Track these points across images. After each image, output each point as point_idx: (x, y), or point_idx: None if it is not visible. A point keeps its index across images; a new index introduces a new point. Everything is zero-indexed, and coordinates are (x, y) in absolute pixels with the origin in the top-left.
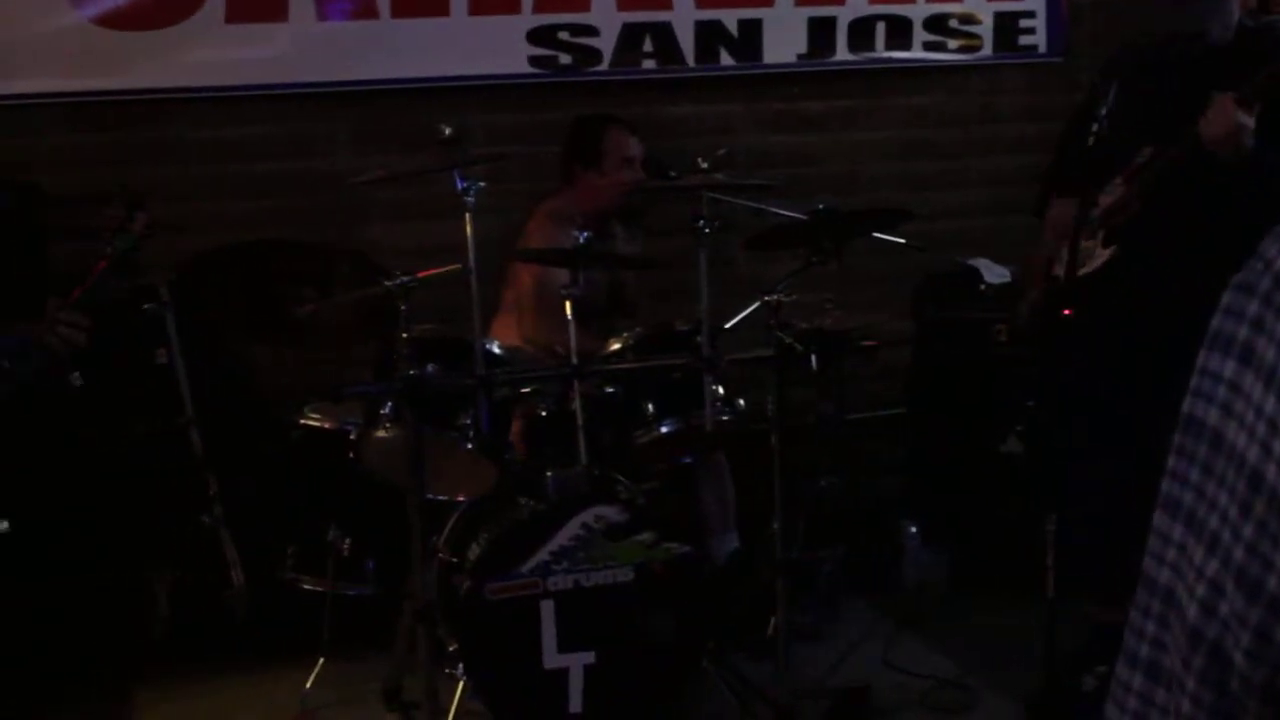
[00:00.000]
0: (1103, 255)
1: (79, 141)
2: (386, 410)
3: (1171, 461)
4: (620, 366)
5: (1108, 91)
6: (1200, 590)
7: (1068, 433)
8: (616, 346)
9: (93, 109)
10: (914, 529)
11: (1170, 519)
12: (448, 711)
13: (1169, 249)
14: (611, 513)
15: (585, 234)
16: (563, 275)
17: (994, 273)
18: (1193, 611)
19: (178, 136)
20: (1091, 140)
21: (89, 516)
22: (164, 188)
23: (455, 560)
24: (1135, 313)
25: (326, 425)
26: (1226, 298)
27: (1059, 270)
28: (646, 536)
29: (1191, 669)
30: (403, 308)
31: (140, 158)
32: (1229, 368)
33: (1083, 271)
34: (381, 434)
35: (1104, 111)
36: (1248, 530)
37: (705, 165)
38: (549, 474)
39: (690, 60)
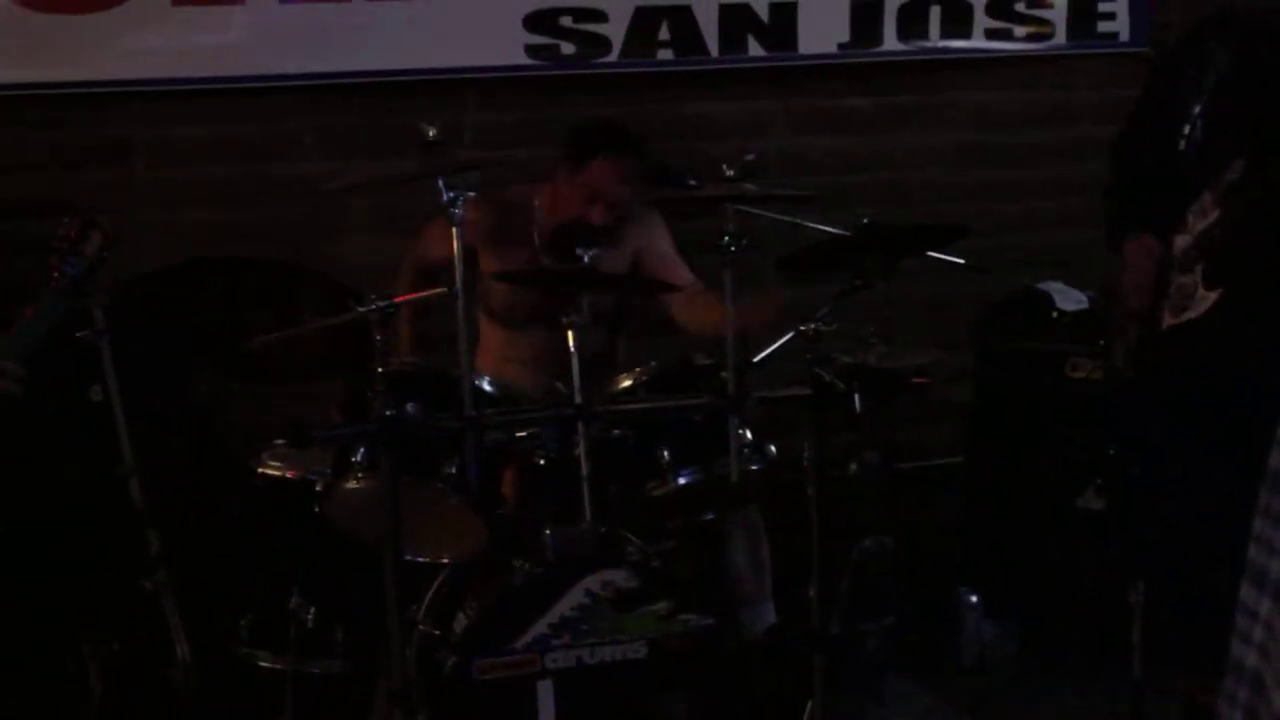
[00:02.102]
0: (1208, 298)
1: (3, 142)
2: (359, 457)
3: (1257, 525)
4: (631, 407)
5: (1205, 73)
6: None
7: (1157, 487)
8: (627, 383)
9: (20, 105)
10: (975, 598)
11: (1257, 591)
12: None
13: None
14: (620, 578)
15: (591, 251)
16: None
17: (1069, 298)
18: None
19: (118, 137)
20: (1183, 144)
21: (8, 580)
22: (102, 195)
23: (438, 633)
24: (1240, 362)
25: (289, 474)
26: None
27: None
28: (661, 606)
29: None
30: (378, 337)
31: (75, 161)
32: None
33: (1184, 318)
34: (352, 484)
35: (1198, 109)
36: None
37: (731, 172)
38: (548, 532)
39: (714, 50)
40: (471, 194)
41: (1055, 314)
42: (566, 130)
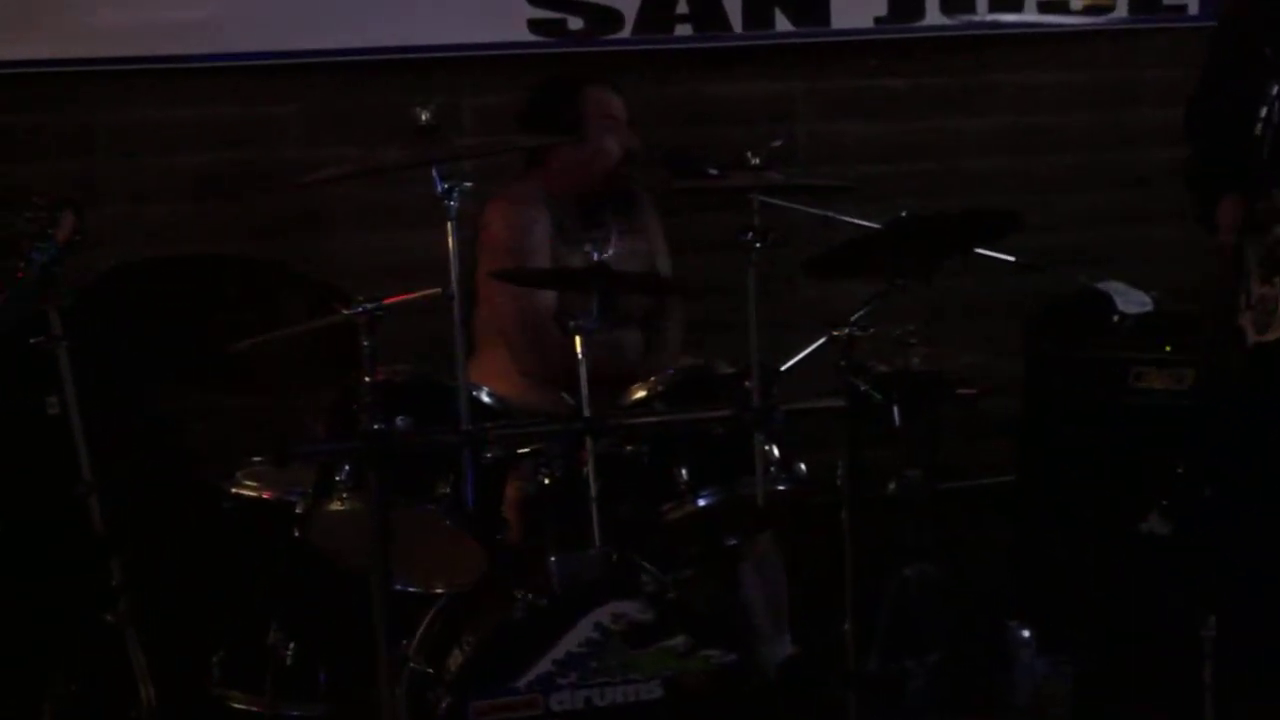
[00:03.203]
0: None
1: None
2: (343, 476)
3: None
4: (646, 420)
5: None
6: None
7: (1232, 511)
8: (641, 394)
9: None
10: (1027, 633)
11: None
12: None
13: None
14: (633, 610)
15: (596, 250)
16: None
17: (1131, 299)
18: None
19: (82, 121)
20: (1259, 128)
21: None
22: (62, 186)
23: (431, 671)
24: None
25: (266, 494)
26: None
27: (1244, 322)
28: (679, 641)
29: None
30: (366, 343)
31: (36, 147)
32: None
33: (1271, 337)
34: (337, 506)
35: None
36: None
37: (756, 160)
38: (553, 559)
39: (737, 25)
40: (469, 184)
41: (1116, 317)
42: (527, 98)
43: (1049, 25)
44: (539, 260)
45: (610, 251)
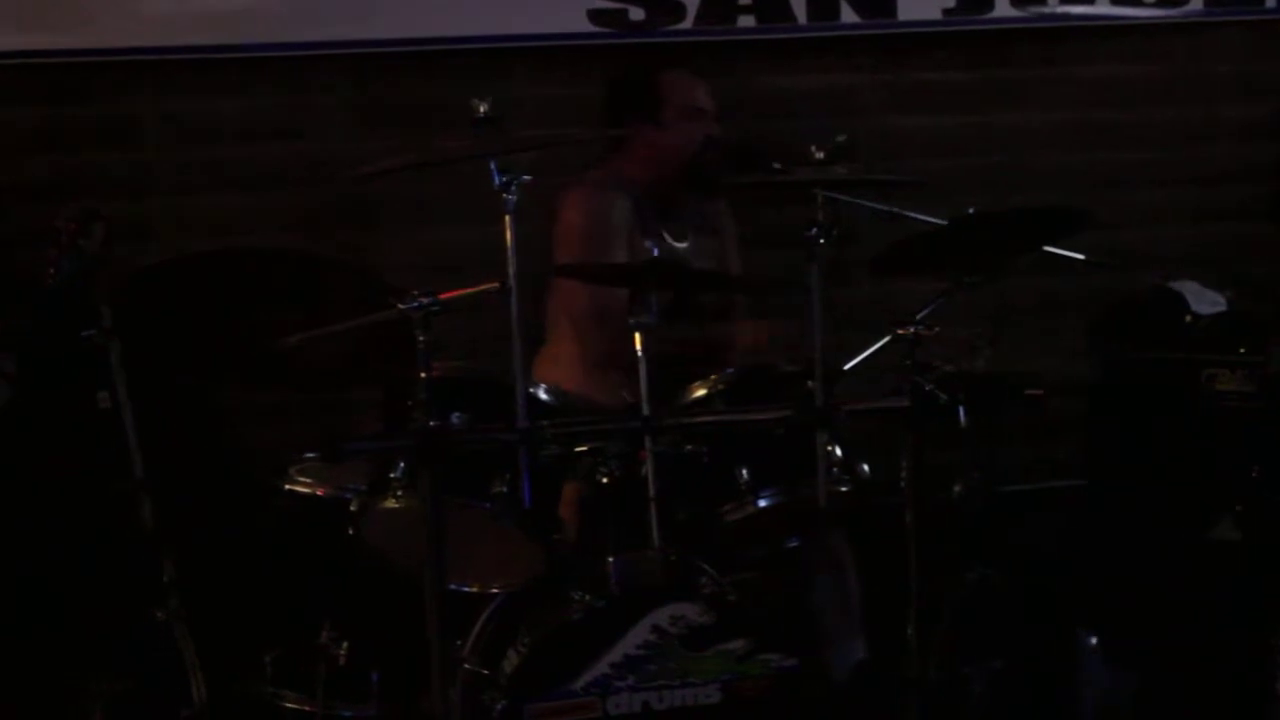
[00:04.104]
0: None
1: (1, 119)
2: (398, 473)
3: None
4: (706, 419)
5: None
6: None
7: None
8: (701, 393)
9: (16, 77)
10: (1093, 639)
11: None
12: None
13: None
14: (692, 612)
15: (675, 240)
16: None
17: (1204, 299)
18: None
19: (130, 114)
20: None
21: (6, 608)
22: (112, 179)
23: (486, 672)
24: None
25: (319, 491)
26: None
27: None
28: (738, 645)
29: None
30: (421, 338)
31: (81, 140)
32: None
33: None
34: (391, 504)
35: None
36: None
37: (820, 155)
38: (611, 560)
39: (801, 17)
40: (527, 177)
41: (1189, 317)
42: (607, 86)
43: (1121, 17)
44: (616, 248)
45: (686, 244)
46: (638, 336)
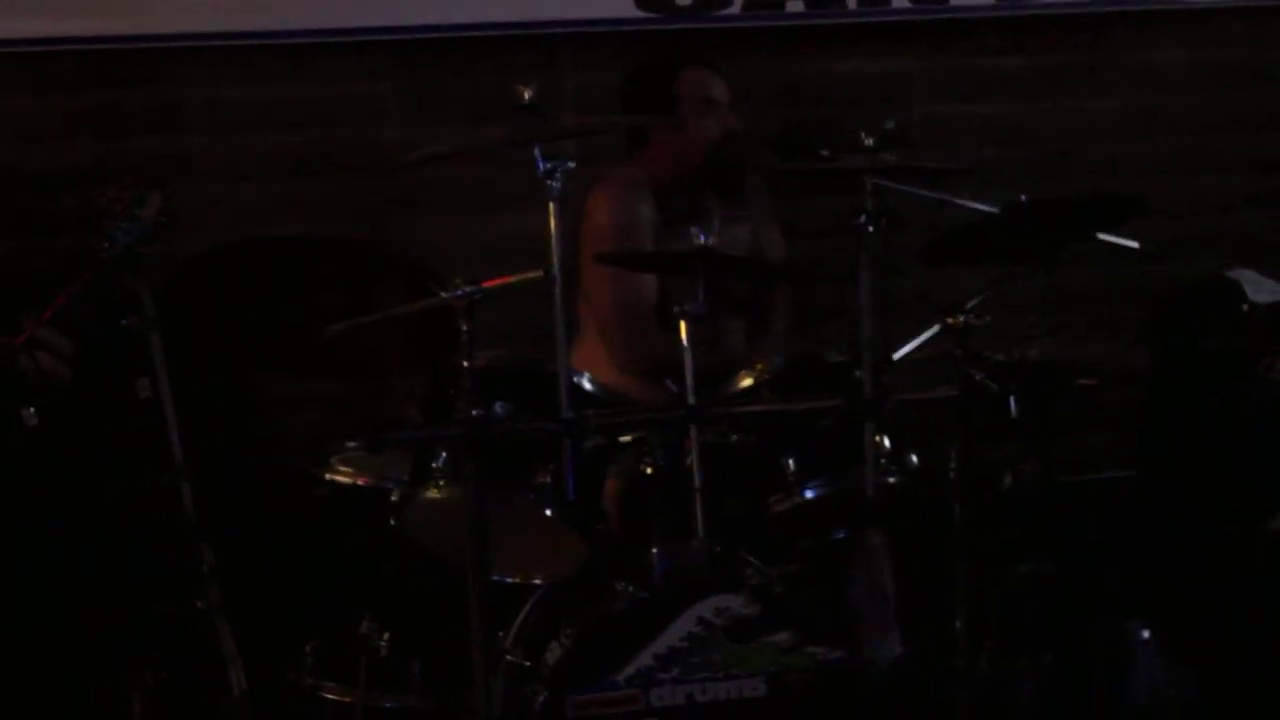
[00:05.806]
0: None
1: (44, 105)
2: (440, 463)
3: None
4: (752, 409)
5: None
6: None
7: None
8: (748, 382)
9: (57, 63)
10: (1146, 634)
11: None
12: None
13: None
14: (737, 604)
15: (703, 233)
16: (650, 278)
17: (1262, 288)
18: None
19: (172, 100)
20: None
21: (45, 598)
22: (152, 166)
23: (528, 664)
24: None
25: (360, 481)
26: None
27: None
28: (783, 637)
29: None
30: (464, 328)
31: (124, 128)
32: None
33: None
34: (433, 494)
35: None
36: None
37: (870, 142)
38: (655, 551)
39: (851, 2)
40: (571, 164)
41: (1246, 307)
42: (622, 83)
43: (1176, 1)
44: (646, 245)
45: (713, 240)
46: (683, 325)
